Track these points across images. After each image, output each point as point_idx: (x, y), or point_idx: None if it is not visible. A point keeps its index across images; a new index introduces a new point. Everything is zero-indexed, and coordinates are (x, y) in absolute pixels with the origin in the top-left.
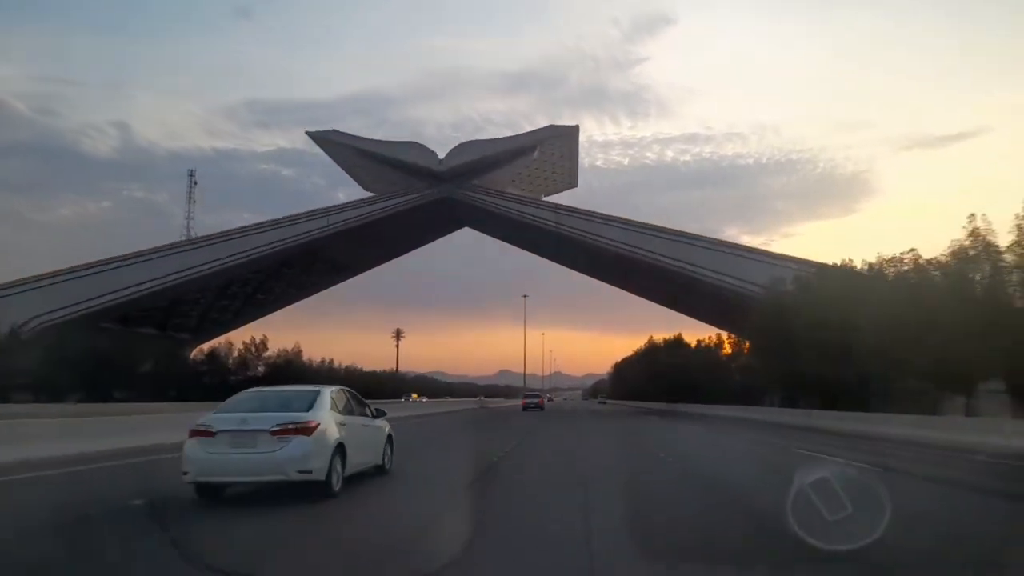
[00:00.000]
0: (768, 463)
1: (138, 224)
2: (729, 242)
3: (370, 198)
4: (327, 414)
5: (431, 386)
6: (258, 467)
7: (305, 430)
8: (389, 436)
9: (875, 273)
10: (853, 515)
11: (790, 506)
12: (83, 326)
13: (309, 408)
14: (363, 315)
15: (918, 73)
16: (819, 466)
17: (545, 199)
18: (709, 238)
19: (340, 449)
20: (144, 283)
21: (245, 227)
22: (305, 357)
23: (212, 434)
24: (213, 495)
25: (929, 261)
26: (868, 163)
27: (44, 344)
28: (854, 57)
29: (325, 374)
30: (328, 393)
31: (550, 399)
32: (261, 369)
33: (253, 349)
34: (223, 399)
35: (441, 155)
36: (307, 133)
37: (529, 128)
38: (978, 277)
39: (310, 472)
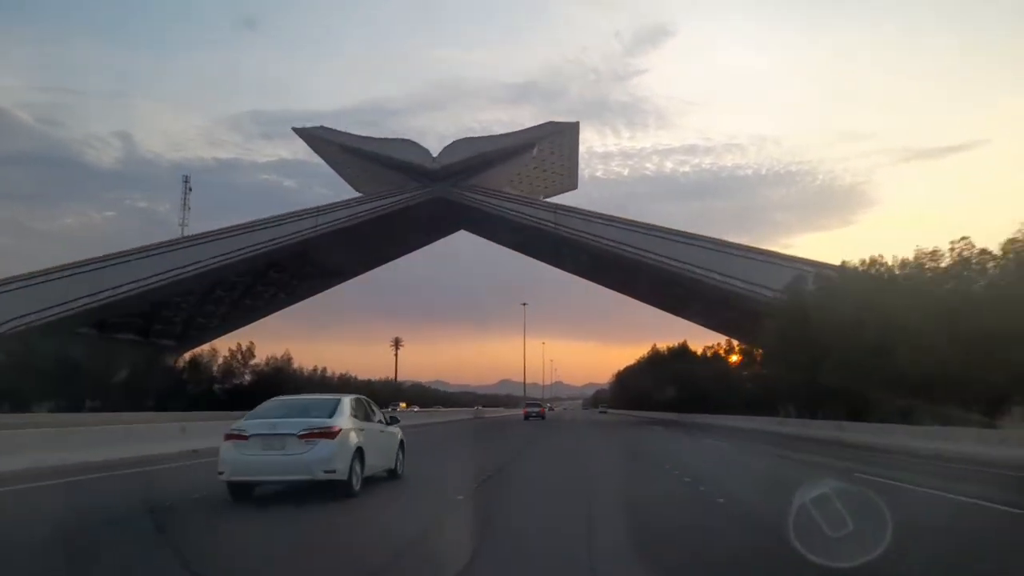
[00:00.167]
0: (847, 498)
1: (141, 233)
2: (738, 244)
3: (360, 198)
4: (347, 420)
5: (428, 395)
6: (287, 467)
7: (329, 434)
8: (401, 442)
9: (911, 270)
10: None
11: None
12: (55, 331)
13: (332, 415)
14: (365, 326)
15: (917, 85)
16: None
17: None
18: (717, 239)
19: (359, 452)
20: (121, 286)
21: (229, 228)
22: (296, 365)
23: (245, 438)
24: (244, 495)
25: (983, 252)
26: (867, 174)
27: (7, 350)
28: (853, 69)
29: (317, 383)
30: (348, 401)
31: (551, 408)
32: (248, 377)
33: (239, 356)
34: (209, 409)
35: (435, 153)
36: (294, 129)
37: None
38: None
39: (334, 472)
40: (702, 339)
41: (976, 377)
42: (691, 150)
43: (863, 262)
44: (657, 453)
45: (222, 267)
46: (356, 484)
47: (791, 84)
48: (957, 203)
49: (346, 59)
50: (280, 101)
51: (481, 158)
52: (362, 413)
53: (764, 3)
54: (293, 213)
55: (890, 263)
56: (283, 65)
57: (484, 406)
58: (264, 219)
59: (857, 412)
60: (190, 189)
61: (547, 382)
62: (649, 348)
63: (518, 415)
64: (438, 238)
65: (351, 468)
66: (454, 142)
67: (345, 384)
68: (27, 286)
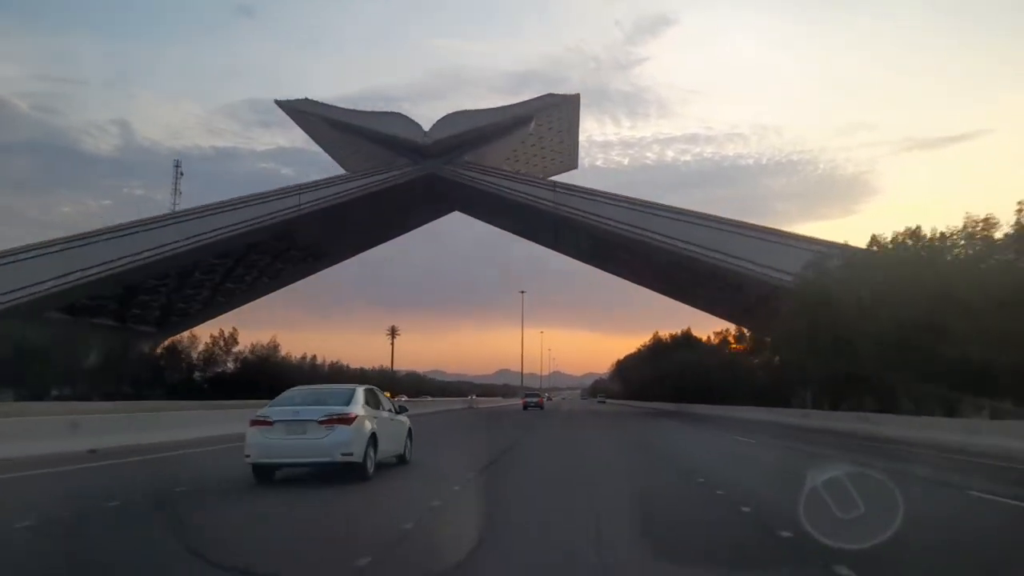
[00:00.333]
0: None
1: None
2: (750, 223)
3: (346, 175)
4: (361, 408)
5: (425, 385)
6: (308, 450)
7: (346, 420)
8: (409, 430)
9: (959, 240)
10: None
11: None
12: (21, 315)
13: (348, 403)
14: (363, 315)
15: (920, 74)
16: None
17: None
18: (727, 219)
19: (373, 438)
20: (91, 268)
21: (205, 206)
22: (284, 353)
23: (270, 424)
24: (267, 477)
25: None
26: (869, 164)
27: None
28: (856, 58)
29: (307, 371)
30: (361, 391)
31: (549, 398)
32: (231, 365)
33: (222, 343)
34: (189, 399)
35: (423, 110)
36: (277, 102)
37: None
38: None
39: (351, 455)
40: (706, 327)
41: None
42: (692, 139)
43: (897, 235)
44: (679, 456)
45: (198, 248)
46: (370, 467)
47: (793, 73)
48: (960, 192)
49: (346, 47)
50: (279, 90)
51: (475, 133)
52: (374, 402)
53: None
54: (274, 191)
55: (929, 235)
56: (282, 53)
57: (480, 395)
58: (243, 197)
59: (887, 402)
60: (181, 174)
61: (545, 372)
62: (650, 337)
63: (516, 405)
64: (431, 219)
65: (366, 452)
66: (447, 115)
67: (337, 373)
68: None
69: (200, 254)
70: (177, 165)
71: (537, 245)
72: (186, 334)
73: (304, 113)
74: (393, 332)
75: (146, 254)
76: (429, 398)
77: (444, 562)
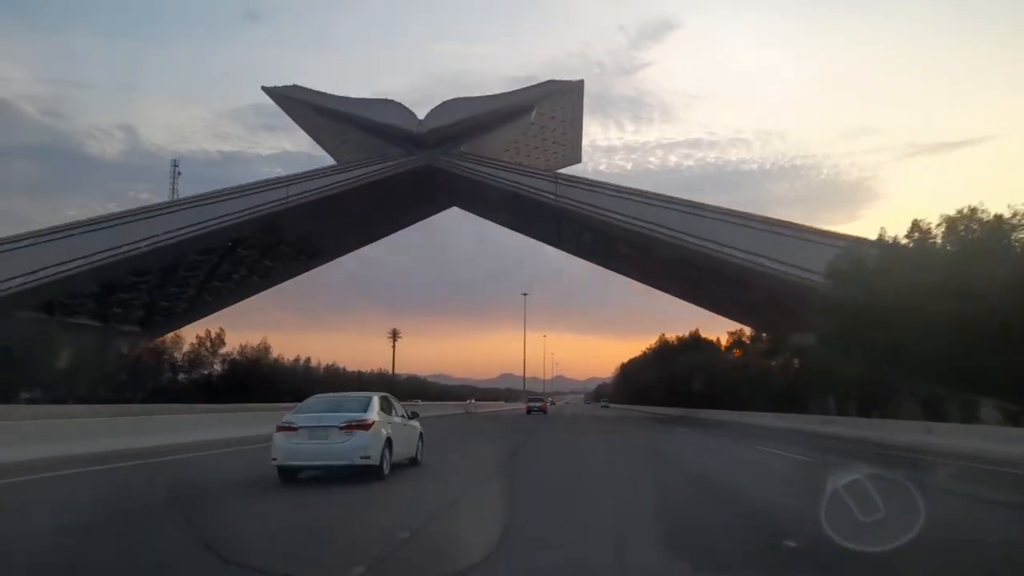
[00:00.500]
0: None
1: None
2: (768, 217)
3: (336, 166)
4: (377, 414)
5: (426, 389)
6: (330, 454)
7: (365, 426)
8: (421, 434)
9: None
10: None
11: None
12: None
13: (365, 409)
14: (363, 318)
15: (924, 79)
16: None
17: None
18: (741, 212)
19: (389, 442)
20: (66, 263)
21: (185, 199)
22: (276, 355)
23: (295, 429)
24: (291, 478)
25: None
26: (872, 169)
27: None
28: (859, 63)
29: (301, 374)
30: (376, 398)
31: (552, 403)
32: (218, 367)
33: (208, 345)
34: (173, 402)
35: (422, 116)
36: (264, 89)
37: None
38: None
39: (369, 458)
40: (715, 330)
41: None
42: (696, 144)
43: (957, 214)
44: (703, 473)
45: (180, 242)
46: (386, 469)
47: (796, 78)
48: (964, 199)
49: (347, 51)
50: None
51: (473, 121)
52: (388, 408)
53: None
54: (260, 183)
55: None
56: (285, 57)
57: (482, 399)
58: (228, 189)
59: (930, 409)
60: (179, 173)
61: (548, 376)
62: (656, 340)
63: (519, 409)
64: (428, 214)
65: (382, 455)
66: (443, 103)
67: (333, 376)
68: None
69: (182, 248)
70: (175, 164)
71: (539, 244)
72: (170, 335)
73: (293, 100)
74: (395, 335)
75: (124, 248)
76: (420, 402)
77: (458, 551)
